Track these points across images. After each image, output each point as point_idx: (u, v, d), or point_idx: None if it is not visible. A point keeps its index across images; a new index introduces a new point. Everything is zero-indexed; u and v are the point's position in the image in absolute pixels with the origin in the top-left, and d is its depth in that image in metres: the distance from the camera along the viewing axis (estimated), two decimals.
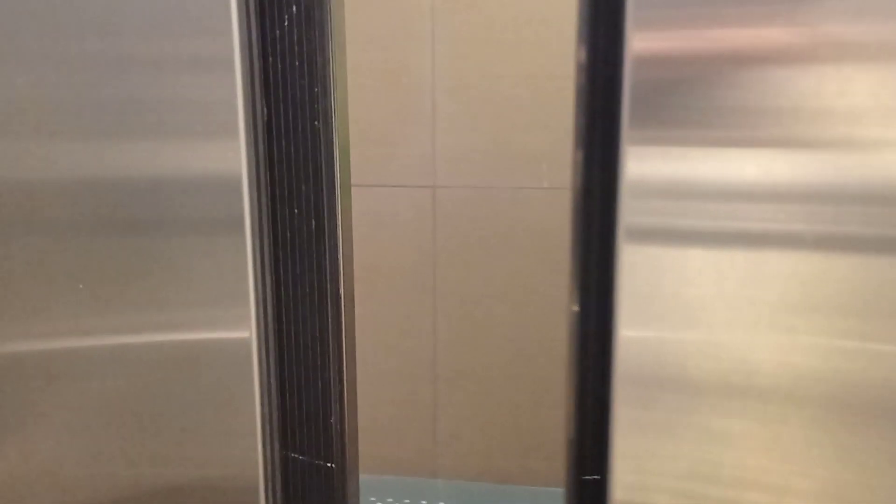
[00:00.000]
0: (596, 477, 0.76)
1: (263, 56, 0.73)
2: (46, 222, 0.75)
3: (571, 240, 0.74)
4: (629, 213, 0.68)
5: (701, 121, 0.65)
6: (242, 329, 0.74)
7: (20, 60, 0.72)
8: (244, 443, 0.76)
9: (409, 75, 1.55)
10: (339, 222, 0.76)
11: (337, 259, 0.77)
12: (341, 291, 0.77)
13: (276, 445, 0.78)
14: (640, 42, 0.64)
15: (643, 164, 0.66)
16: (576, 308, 0.75)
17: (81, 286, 0.75)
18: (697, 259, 0.67)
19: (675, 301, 0.69)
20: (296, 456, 0.80)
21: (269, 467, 0.77)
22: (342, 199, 0.76)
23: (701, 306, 0.68)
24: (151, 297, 0.75)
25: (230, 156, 0.71)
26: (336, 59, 0.74)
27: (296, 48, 0.73)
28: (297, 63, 0.73)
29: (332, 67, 0.73)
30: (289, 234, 0.76)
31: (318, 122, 0.74)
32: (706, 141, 0.65)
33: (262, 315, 0.74)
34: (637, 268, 0.68)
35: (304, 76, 0.74)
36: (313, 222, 0.76)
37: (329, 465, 0.80)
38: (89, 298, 0.76)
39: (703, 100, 0.64)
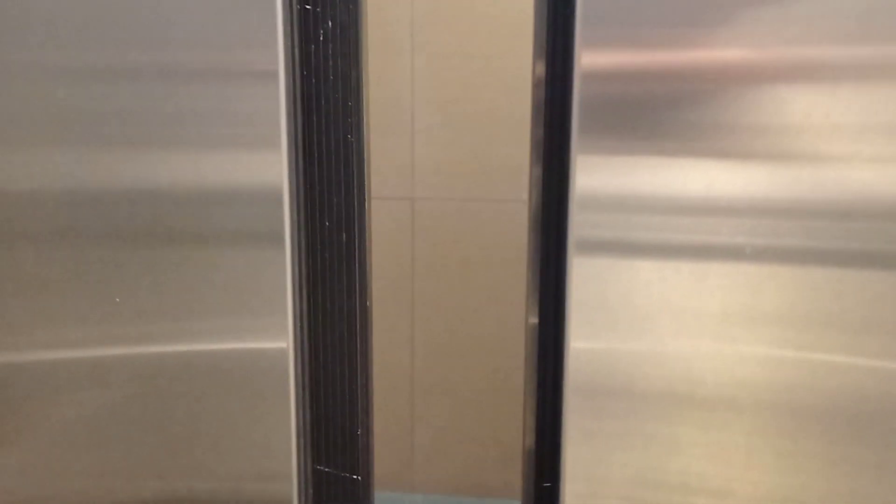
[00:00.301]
0: (548, 484, 0.78)
1: (300, 70, 0.73)
2: (84, 232, 0.75)
3: (528, 253, 0.76)
4: (578, 225, 0.69)
5: (648, 136, 0.67)
6: (279, 340, 0.74)
7: (65, 72, 0.72)
8: (278, 454, 0.76)
9: (388, 87, 1.55)
10: (368, 235, 0.76)
11: (365, 272, 0.77)
12: (368, 304, 0.78)
13: (309, 458, 0.78)
14: (588, 59, 0.66)
15: (593, 178, 0.68)
16: (533, 320, 0.76)
17: (118, 299, 0.74)
18: (645, 271, 0.69)
19: (623, 312, 0.70)
20: (323, 468, 0.80)
21: (303, 480, 0.77)
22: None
23: (648, 317, 0.70)
24: (188, 307, 0.75)
25: (272, 168, 0.71)
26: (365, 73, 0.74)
27: (330, 62, 0.73)
28: (331, 77, 0.74)
29: (364, 82, 0.74)
30: (319, 247, 0.76)
31: (351, 135, 0.74)
32: (654, 155, 0.67)
33: (298, 326, 0.74)
34: (587, 280, 0.70)
35: (337, 90, 0.74)
36: (343, 235, 0.76)
37: (355, 476, 0.80)
38: (125, 308, 0.76)
39: (651, 116, 0.66)
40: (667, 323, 0.70)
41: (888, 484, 0.69)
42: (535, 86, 0.72)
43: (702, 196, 0.67)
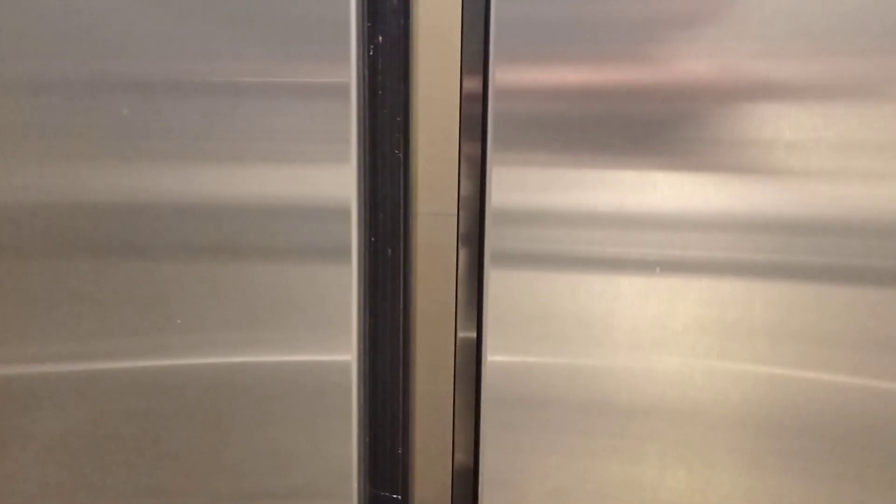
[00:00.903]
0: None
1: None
2: (149, 246, 0.74)
3: (456, 266, 0.77)
4: (494, 238, 0.72)
5: (562, 150, 0.70)
6: (344, 353, 0.73)
7: (134, 87, 0.71)
8: (337, 472, 0.75)
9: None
10: (414, 250, 0.76)
11: (410, 287, 0.77)
12: (413, 320, 0.77)
13: (367, 478, 0.77)
14: (502, 75, 0.69)
15: (508, 192, 0.71)
16: (460, 334, 0.78)
17: (180, 321, 0.72)
18: (560, 284, 0.72)
19: (540, 325, 0.73)
20: (377, 491, 0.79)
21: (361, 499, 0.75)
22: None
23: (564, 330, 0.73)
24: (251, 320, 0.74)
25: (341, 183, 0.70)
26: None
27: (379, 77, 0.73)
28: (379, 92, 0.73)
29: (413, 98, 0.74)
30: (366, 262, 0.76)
31: (399, 150, 0.74)
32: (568, 169, 0.70)
33: (362, 341, 0.73)
34: (503, 293, 0.73)
35: (386, 105, 0.74)
36: (389, 250, 0.76)
37: (395, 496, 0.80)
38: (187, 319, 0.75)
39: (565, 131, 0.69)
40: (582, 335, 0.73)
41: (801, 488, 0.73)
42: (464, 100, 0.74)
43: (615, 210, 0.70)
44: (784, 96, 0.66)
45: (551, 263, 0.71)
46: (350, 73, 0.69)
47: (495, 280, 0.72)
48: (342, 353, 0.74)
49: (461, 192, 0.74)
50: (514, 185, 0.70)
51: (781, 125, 0.66)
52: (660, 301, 0.71)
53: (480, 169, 0.72)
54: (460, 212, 0.74)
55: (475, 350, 0.76)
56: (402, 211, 0.75)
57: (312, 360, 0.74)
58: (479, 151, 0.72)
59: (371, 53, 0.72)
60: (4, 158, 0.73)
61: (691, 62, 0.66)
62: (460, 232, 0.75)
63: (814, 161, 0.67)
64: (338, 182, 0.71)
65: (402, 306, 0.77)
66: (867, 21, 0.64)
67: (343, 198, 0.71)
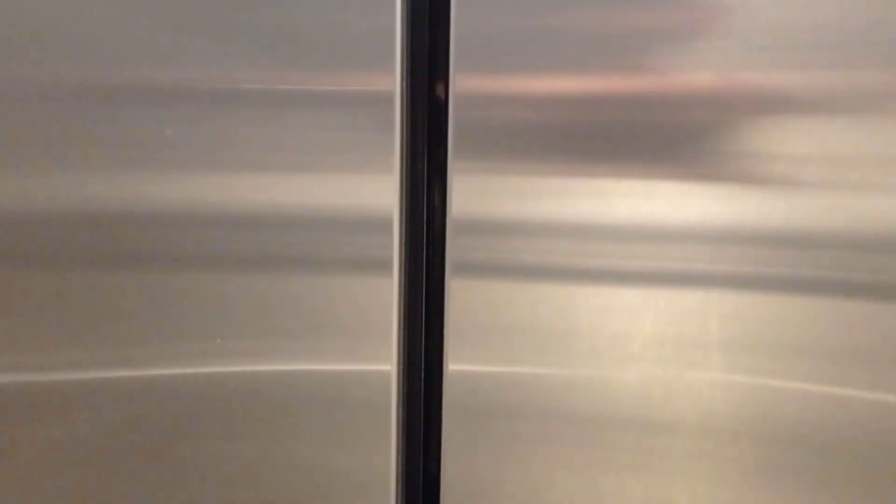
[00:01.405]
0: None
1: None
2: (188, 256, 0.74)
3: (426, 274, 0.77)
4: (455, 248, 0.72)
5: (524, 159, 0.70)
6: (383, 362, 0.74)
7: (176, 97, 0.71)
8: (376, 488, 0.75)
9: None
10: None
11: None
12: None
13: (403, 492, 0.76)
14: (462, 83, 0.70)
15: (469, 201, 0.71)
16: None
17: (220, 341, 0.74)
18: (520, 293, 0.72)
19: (499, 334, 0.73)
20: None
21: None
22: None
23: (524, 339, 0.73)
24: (290, 328, 0.74)
25: (383, 194, 0.71)
26: None
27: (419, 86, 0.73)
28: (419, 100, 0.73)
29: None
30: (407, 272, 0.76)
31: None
32: (528, 178, 0.70)
33: (402, 350, 0.73)
34: (463, 302, 0.73)
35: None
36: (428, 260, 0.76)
37: None
38: (225, 329, 0.75)
39: (526, 140, 0.70)
40: (542, 345, 0.73)
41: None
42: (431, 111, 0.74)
43: (574, 220, 0.70)
44: (754, 106, 0.67)
45: (512, 273, 0.72)
46: (394, 82, 0.69)
47: (456, 289, 0.72)
48: (382, 363, 0.74)
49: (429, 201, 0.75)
50: (475, 194, 0.71)
51: (744, 134, 0.67)
52: (620, 312, 0.71)
53: (441, 178, 0.73)
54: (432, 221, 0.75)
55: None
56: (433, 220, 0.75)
57: (352, 369, 0.74)
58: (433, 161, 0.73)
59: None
60: (37, 165, 0.74)
61: (655, 71, 0.67)
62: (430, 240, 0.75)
63: (778, 171, 0.67)
64: (380, 192, 0.71)
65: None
66: (867, 34, 0.65)
67: (385, 208, 0.71)
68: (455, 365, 0.73)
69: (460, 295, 0.72)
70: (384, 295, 0.72)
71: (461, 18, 0.68)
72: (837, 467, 0.71)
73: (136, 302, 0.75)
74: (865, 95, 0.66)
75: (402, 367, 0.74)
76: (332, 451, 0.75)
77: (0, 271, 0.76)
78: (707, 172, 0.68)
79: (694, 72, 0.67)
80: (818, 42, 0.65)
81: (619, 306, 0.71)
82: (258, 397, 0.76)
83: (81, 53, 0.72)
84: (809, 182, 0.67)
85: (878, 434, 0.70)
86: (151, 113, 0.72)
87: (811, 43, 0.65)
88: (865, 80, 0.66)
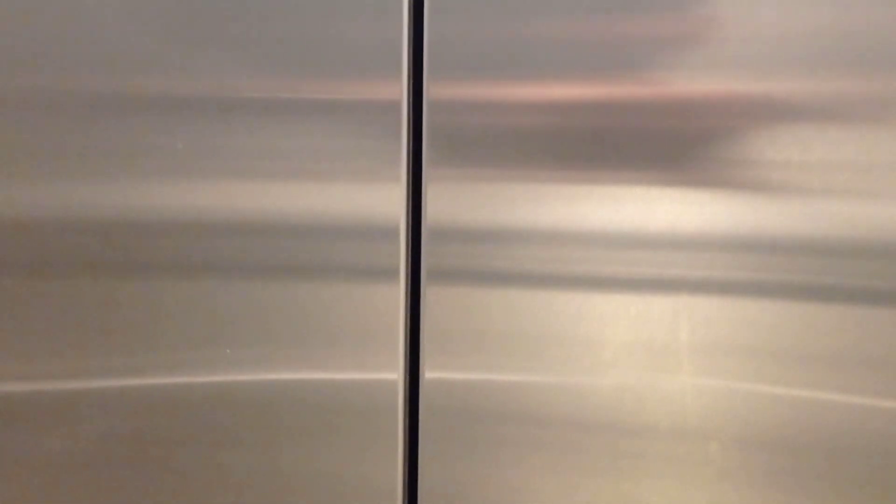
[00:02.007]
0: None
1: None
2: (193, 263, 0.75)
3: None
4: (430, 255, 0.72)
5: (501, 165, 0.70)
6: (389, 371, 0.74)
7: (180, 106, 0.72)
8: (382, 497, 0.75)
9: None
10: None
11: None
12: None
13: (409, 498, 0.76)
14: (436, 89, 0.70)
15: (444, 207, 0.71)
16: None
17: (229, 351, 0.75)
18: (496, 300, 0.72)
19: (476, 342, 0.73)
20: None
21: None
22: None
23: (501, 347, 0.73)
24: (295, 337, 0.75)
25: (390, 202, 0.71)
26: None
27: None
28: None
29: None
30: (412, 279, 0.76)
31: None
32: (504, 184, 0.70)
33: (408, 359, 0.73)
34: (440, 309, 0.73)
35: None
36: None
37: None
38: (229, 336, 0.75)
39: (503, 146, 0.70)
40: (519, 351, 0.73)
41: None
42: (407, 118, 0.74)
43: (551, 227, 0.70)
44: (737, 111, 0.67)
45: (488, 280, 0.72)
46: (401, 91, 0.69)
47: (432, 296, 0.72)
48: (388, 371, 0.74)
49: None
50: (450, 201, 0.71)
51: (715, 140, 0.67)
52: (595, 318, 0.71)
53: (414, 185, 0.73)
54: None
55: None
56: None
57: (358, 378, 0.74)
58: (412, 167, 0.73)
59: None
60: (43, 173, 0.75)
61: (629, 78, 0.67)
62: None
63: (743, 175, 0.68)
64: (386, 200, 0.71)
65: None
66: (867, 42, 0.64)
67: (391, 216, 0.71)
68: (431, 373, 0.73)
69: (436, 302, 0.72)
70: (390, 303, 0.73)
71: (434, 26, 0.69)
72: (809, 469, 0.71)
73: (141, 311, 0.76)
74: (865, 102, 0.66)
75: (407, 375, 0.74)
76: (338, 460, 0.75)
77: (5, 280, 0.77)
78: (679, 178, 0.68)
79: (668, 78, 0.67)
80: (806, 49, 0.65)
81: (594, 312, 0.71)
82: (264, 406, 0.76)
83: (88, 63, 0.72)
84: (770, 187, 0.68)
85: (849, 436, 0.70)
86: (158, 122, 0.72)
87: (792, 49, 0.65)
88: (865, 87, 0.65)
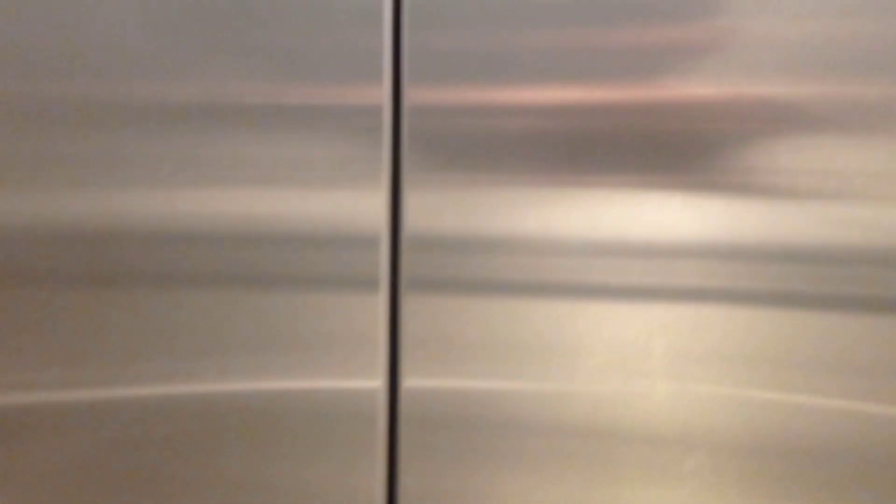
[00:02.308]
0: None
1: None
2: (174, 273, 0.74)
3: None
4: (409, 263, 0.72)
5: (482, 171, 0.70)
6: (372, 379, 0.74)
7: (173, 115, 0.72)
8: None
9: None
10: None
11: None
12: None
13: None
14: (414, 94, 0.70)
15: (423, 214, 0.71)
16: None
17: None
18: (475, 308, 0.72)
19: (455, 350, 0.73)
20: None
21: None
22: None
23: (480, 355, 0.73)
24: (277, 345, 0.74)
25: (372, 211, 0.71)
26: None
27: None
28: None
29: None
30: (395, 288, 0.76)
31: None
32: (480, 192, 0.70)
33: (389, 367, 0.73)
34: (418, 318, 0.73)
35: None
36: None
37: None
38: (210, 345, 0.75)
39: (484, 152, 0.70)
40: (499, 360, 0.73)
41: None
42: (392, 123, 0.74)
43: (532, 235, 0.70)
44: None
45: (466, 288, 0.72)
46: (382, 97, 0.69)
47: (411, 305, 0.72)
48: (370, 379, 0.74)
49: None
50: (430, 208, 0.71)
51: (702, 145, 0.68)
52: (575, 326, 0.71)
53: (394, 192, 0.73)
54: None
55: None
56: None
57: (339, 386, 0.74)
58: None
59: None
60: (36, 182, 0.75)
61: (612, 84, 0.68)
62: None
63: (729, 181, 0.68)
64: (367, 208, 0.71)
65: None
66: (872, 50, 0.65)
67: (373, 224, 0.72)
68: (410, 381, 0.74)
69: (415, 310, 0.73)
70: (372, 311, 0.73)
71: (413, 31, 0.69)
72: (790, 475, 0.71)
73: (127, 320, 0.76)
74: (860, 110, 0.66)
75: (389, 383, 0.74)
76: (320, 468, 0.75)
77: None
78: (658, 185, 0.69)
79: (645, 84, 0.67)
80: (806, 55, 0.65)
81: (574, 320, 0.71)
82: (246, 415, 0.75)
83: (72, 71, 0.73)
84: (753, 193, 0.68)
85: (830, 442, 0.70)
86: (142, 131, 0.72)
87: (793, 56, 0.66)
88: (860, 94, 0.66)
